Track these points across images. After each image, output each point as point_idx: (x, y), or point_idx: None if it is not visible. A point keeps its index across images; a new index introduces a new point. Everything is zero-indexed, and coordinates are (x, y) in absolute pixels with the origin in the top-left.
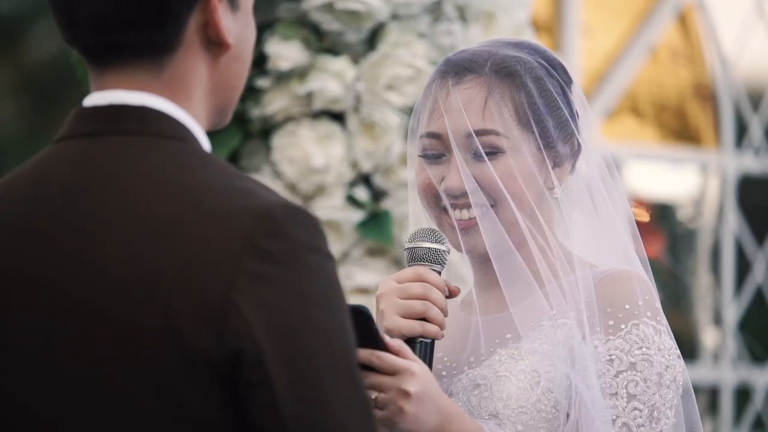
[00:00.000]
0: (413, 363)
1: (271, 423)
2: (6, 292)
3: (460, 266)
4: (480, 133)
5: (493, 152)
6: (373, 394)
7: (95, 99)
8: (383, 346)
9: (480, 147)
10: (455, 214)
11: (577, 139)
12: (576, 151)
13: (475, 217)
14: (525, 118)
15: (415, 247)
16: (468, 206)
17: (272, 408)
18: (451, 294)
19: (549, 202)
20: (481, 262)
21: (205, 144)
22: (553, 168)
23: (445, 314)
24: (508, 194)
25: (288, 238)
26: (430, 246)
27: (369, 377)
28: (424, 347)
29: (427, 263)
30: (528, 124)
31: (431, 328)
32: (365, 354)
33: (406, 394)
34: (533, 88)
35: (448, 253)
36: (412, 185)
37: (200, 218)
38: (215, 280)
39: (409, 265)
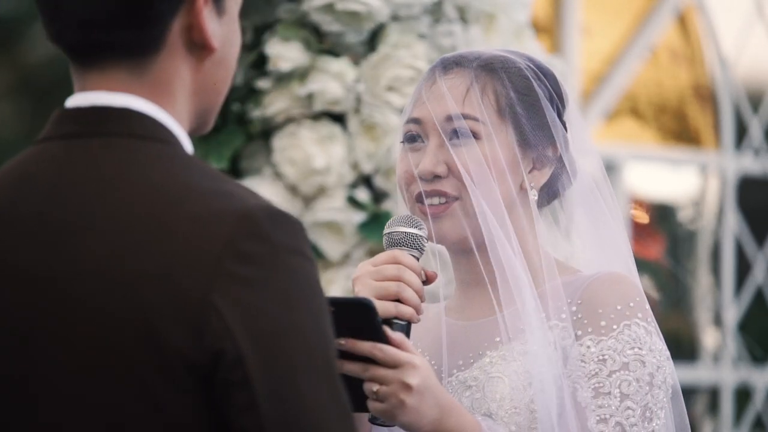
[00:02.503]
0: (415, 356)
1: (249, 424)
2: None
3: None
4: (459, 117)
5: (470, 137)
6: (375, 387)
7: (77, 100)
8: (386, 339)
9: (457, 130)
10: (427, 201)
11: (561, 146)
12: (558, 158)
13: (445, 203)
14: (505, 111)
15: (391, 232)
16: (439, 193)
17: (251, 409)
18: (428, 279)
19: (524, 201)
20: (463, 256)
21: (188, 147)
22: (531, 171)
23: (422, 299)
24: (481, 181)
25: (268, 240)
26: (406, 231)
27: (371, 370)
28: (399, 329)
29: (404, 248)
30: (507, 118)
31: (405, 310)
32: (368, 347)
33: (407, 386)
34: (518, 85)
35: (426, 239)
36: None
37: (182, 220)
38: (195, 282)
39: None
